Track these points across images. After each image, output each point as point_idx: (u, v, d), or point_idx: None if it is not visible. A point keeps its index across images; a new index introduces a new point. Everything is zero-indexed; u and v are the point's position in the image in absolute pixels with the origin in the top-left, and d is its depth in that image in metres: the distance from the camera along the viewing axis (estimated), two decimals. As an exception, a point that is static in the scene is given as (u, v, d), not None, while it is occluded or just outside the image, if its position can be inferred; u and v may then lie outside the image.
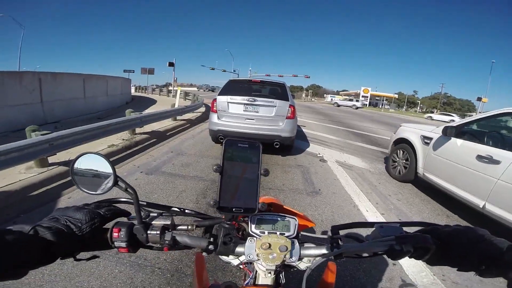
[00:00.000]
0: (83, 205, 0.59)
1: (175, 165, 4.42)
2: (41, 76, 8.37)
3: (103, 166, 0.58)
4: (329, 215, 3.05)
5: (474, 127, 3.68)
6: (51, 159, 3.89)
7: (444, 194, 3.60)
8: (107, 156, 0.58)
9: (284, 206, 0.84)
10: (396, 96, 64.87)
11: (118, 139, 5.48)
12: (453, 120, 34.22)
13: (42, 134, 3.65)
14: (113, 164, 0.57)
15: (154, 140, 6.16)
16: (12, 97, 7.15)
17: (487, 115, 3.50)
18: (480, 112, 34.16)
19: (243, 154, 0.57)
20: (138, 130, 6.30)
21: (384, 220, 3.06)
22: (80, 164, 0.59)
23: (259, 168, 0.56)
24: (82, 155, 0.59)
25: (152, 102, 17.11)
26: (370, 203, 3.51)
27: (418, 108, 68.82)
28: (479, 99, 35.09)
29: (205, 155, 5.11)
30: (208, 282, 0.76)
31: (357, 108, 37.76)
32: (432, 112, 45.88)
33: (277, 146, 5.07)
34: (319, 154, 5.83)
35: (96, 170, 0.59)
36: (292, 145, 5.58)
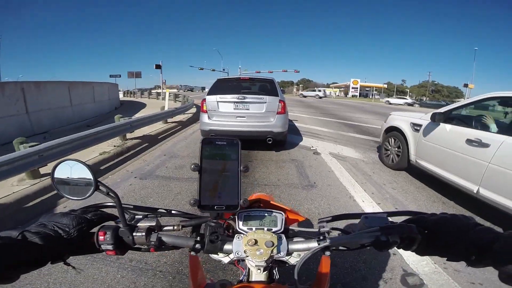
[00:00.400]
0: (70, 211, 0.60)
1: (169, 168, 4.39)
2: (23, 86, 8.15)
3: (83, 172, 0.58)
4: (326, 208, 3.08)
5: (462, 112, 3.73)
6: (43, 170, 3.85)
7: (438, 180, 3.61)
8: (85, 162, 0.58)
9: (272, 202, 0.84)
10: (386, 86, 65.44)
11: (109, 146, 5.40)
12: (407, 103, 36.24)
13: (30, 146, 3.60)
14: (92, 169, 0.58)
15: (146, 144, 6.09)
16: None
17: (474, 100, 3.54)
18: (467, 98, 35.05)
19: (222, 151, 0.57)
20: (129, 135, 6.22)
21: (381, 210, 3.11)
22: (60, 172, 0.59)
23: (239, 165, 0.56)
24: (61, 162, 0.58)
25: (142, 106, 16.90)
26: (366, 193, 3.55)
27: (408, 96, 69.97)
28: (466, 85, 35.90)
29: (198, 156, 5.07)
30: (204, 281, 0.76)
31: (320, 97, 39.48)
32: (421, 100, 46.86)
33: (270, 142, 5.08)
34: (312, 147, 5.87)
35: (77, 177, 0.59)
36: (285, 140, 5.59)
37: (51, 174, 0.58)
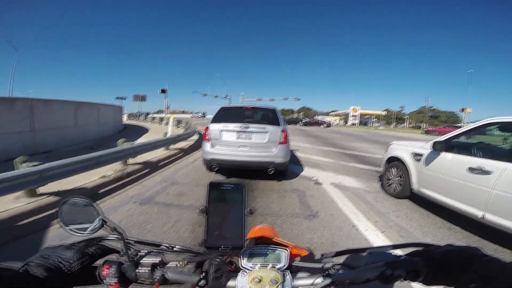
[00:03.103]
0: (72, 243, 0.61)
1: (169, 195, 4.34)
2: (33, 103, 8.06)
3: (90, 209, 0.61)
4: (329, 237, 2.99)
5: (462, 139, 3.77)
6: (41, 189, 3.86)
7: (442, 207, 3.60)
8: (92, 199, 0.61)
9: (274, 239, 0.84)
10: (385, 113, 66.25)
11: (110, 170, 5.40)
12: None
13: (32, 165, 3.64)
14: (99, 206, 0.61)
15: (147, 170, 6.08)
16: (2, 125, 6.96)
17: (472, 127, 3.60)
18: (466, 123, 35.04)
19: (228, 195, 0.60)
20: (130, 160, 6.24)
21: (385, 238, 3.04)
22: (67, 208, 0.61)
23: (244, 208, 0.59)
24: (69, 199, 0.61)
25: (145, 130, 17.16)
26: (369, 222, 3.47)
27: (407, 123, 70.39)
28: (463, 110, 36.06)
29: (199, 184, 5.03)
30: None
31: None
32: (420, 127, 46.74)
33: (272, 172, 5.05)
34: (313, 177, 5.82)
35: (83, 213, 0.62)
36: (286, 170, 5.55)
37: (58, 209, 0.61)
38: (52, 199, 3.76)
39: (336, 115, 70.32)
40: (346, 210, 3.89)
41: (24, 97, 8.66)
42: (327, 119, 54.96)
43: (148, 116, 30.90)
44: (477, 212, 2.98)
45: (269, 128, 5.11)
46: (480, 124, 3.43)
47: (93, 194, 4.37)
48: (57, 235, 2.89)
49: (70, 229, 0.61)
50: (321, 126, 39.82)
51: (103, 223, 0.59)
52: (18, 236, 2.91)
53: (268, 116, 5.54)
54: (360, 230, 3.24)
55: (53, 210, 3.60)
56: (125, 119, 26.71)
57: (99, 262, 0.60)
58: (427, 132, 34.25)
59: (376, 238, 3.04)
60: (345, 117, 62.17)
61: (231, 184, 0.61)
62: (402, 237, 3.14)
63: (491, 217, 2.84)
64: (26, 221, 3.24)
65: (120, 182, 5.04)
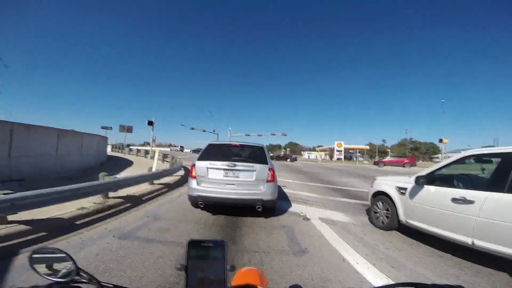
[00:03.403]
0: (45, 286, 0.59)
1: (151, 230, 4.11)
2: (13, 127, 7.61)
3: (63, 259, 0.61)
4: (319, 273, 2.87)
5: (443, 172, 3.93)
6: (11, 217, 3.68)
7: (431, 236, 3.66)
8: (65, 251, 0.62)
9: (259, 287, 0.82)
10: (368, 147, 67.80)
11: (89, 202, 5.12)
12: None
13: (3, 194, 3.53)
14: (72, 257, 0.61)
15: (129, 204, 5.81)
16: None
17: (451, 160, 3.82)
18: (444, 153, 36.54)
19: (208, 253, 0.60)
20: (111, 194, 5.97)
21: (376, 270, 2.99)
22: (39, 256, 0.61)
23: (225, 264, 0.59)
24: (41, 248, 0.62)
25: (129, 163, 16.70)
26: (359, 255, 3.41)
27: (389, 156, 72.06)
28: (441, 140, 37.12)
29: (184, 220, 4.81)
30: None
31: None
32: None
33: (260, 209, 4.95)
34: (301, 213, 5.72)
35: (57, 261, 0.62)
36: (275, 207, 5.45)
37: (29, 257, 0.60)
38: (22, 227, 3.57)
39: (321, 150, 71.57)
40: (335, 244, 3.80)
41: (4, 120, 7.98)
42: (313, 154, 55.78)
43: (130, 147, 30.15)
44: (466, 239, 3.08)
45: (257, 166, 5.07)
46: (458, 157, 3.67)
47: (69, 225, 4.10)
48: (24, 264, 2.66)
49: (43, 275, 0.59)
50: (288, 160, 43.16)
51: (78, 271, 0.58)
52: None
53: (255, 154, 5.52)
54: (350, 263, 3.15)
55: (22, 239, 3.43)
56: (109, 150, 25.97)
57: None
58: (376, 164, 36.67)
59: (368, 271, 2.96)
60: (330, 152, 63.28)
61: (212, 241, 0.60)
62: (394, 268, 3.08)
63: (480, 243, 2.94)
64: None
65: (100, 215, 4.76)
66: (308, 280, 2.71)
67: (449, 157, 4.11)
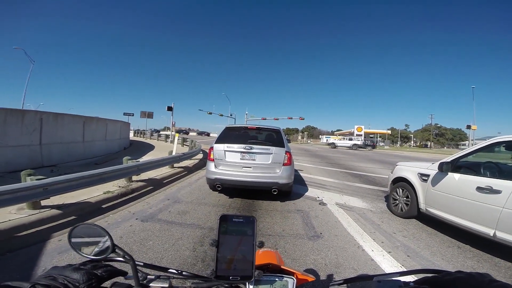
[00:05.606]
0: (80, 264, 0.61)
1: (172, 213, 4.30)
2: (43, 116, 8.03)
3: (101, 234, 0.63)
4: (333, 258, 2.90)
5: (468, 159, 3.73)
6: (44, 202, 3.88)
7: (451, 226, 3.56)
8: (102, 226, 0.64)
9: (282, 266, 0.85)
10: (389, 132, 65.06)
11: (114, 186, 5.41)
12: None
13: (37, 179, 3.70)
14: (109, 233, 0.63)
15: (151, 187, 6.08)
16: (12, 137, 7.01)
17: (479, 146, 3.58)
18: (472, 140, 34.58)
19: (238, 228, 0.61)
20: (134, 177, 6.26)
21: (392, 259, 2.96)
22: (78, 232, 0.64)
23: (254, 240, 0.61)
24: (80, 224, 0.64)
25: (150, 148, 17.25)
26: (375, 242, 3.38)
27: (412, 142, 68.62)
28: (469, 127, 35.25)
29: (202, 203, 4.98)
30: None
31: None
32: (426, 146, 46.24)
33: (275, 193, 5.00)
34: (318, 197, 5.73)
35: (94, 239, 0.64)
36: (290, 191, 5.49)
37: (69, 233, 0.63)
38: (54, 212, 3.78)
39: (340, 134, 69.90)
40: (351, 230, 3.79)
41: (35, 109, 8.64)
42: (331, 138, 54.41)
43: (157, 133, 31.08)
44: (488, 231, 2.96)
45: (273, 149, 5.09)
46: (486, 144, 3.43)
47: (96, 208, 4.36)
48: (56, 248, 2.88)
49: (81, 253, 0.62)
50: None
51: (114, 249, 0.61)
52: (16, 247, 2.90)
53: (272, 137, 5.52)
54: (365, 250, 3.14)
55: (54, 223, 3.62)
56: (131, 135, 26.81)
57: (106, 284, 0.60)
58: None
59: (383, 259, 2.95)
60: (350, 137, 61.41)
61: (242, 216, 0.62)
62: (410, 257, 3.04)
63: (502, 235, 2.83)
64: (25, 232, 3.25)
65: (124, 198, 5.03)
66: (322, 265, 2.74)
67: (476, 144, 3.86)
